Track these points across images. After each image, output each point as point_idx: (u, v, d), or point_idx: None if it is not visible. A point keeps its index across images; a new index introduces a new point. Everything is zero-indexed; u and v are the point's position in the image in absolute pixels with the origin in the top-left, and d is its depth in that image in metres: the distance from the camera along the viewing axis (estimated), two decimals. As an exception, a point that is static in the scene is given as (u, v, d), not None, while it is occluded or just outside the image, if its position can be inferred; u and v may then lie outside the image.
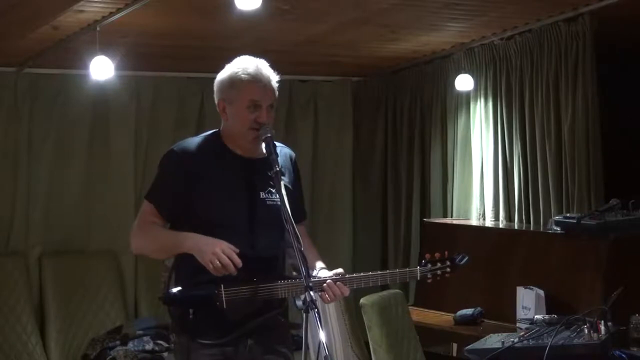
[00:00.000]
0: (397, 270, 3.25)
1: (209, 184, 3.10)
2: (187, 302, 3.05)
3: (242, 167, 3.14)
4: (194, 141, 3.19)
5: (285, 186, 3.06)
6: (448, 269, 3.18)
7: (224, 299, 2.99)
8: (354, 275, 3.11)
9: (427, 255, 3.19)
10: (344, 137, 7.20)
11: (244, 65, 3.13)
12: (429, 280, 3.18)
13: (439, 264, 3.17)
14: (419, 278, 3.18)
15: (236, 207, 3.10)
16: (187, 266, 3.06)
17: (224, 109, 3.15)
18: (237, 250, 2.97)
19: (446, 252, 3.20)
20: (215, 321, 3.03)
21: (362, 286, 3.15)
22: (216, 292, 2.98)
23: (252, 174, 3.12)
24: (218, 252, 2.95)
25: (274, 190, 3.05)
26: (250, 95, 3.08)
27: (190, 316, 3.04)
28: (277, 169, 3.00)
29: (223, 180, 3.11)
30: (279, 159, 3.10)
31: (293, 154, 3.28)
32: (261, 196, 3.11)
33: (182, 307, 3.06)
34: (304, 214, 3.33)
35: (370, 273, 3.13)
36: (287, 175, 3.19)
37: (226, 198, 3.10)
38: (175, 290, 3.06)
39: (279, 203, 2.98)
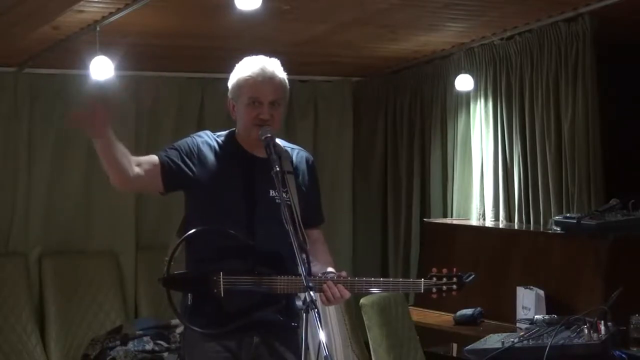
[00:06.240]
0: (401, 279, 3.23)
1: (214, 175, 3.13)
2: (185, 286, 3.08)
3: (251, 164, 3.17)
4: (214, 135, 3.24)
5: (298, 187, 3.10)
6: (454, 286, 3.08)
7: (221, 286, 3.01)
8: (356, 278, 3.08)
9: (434, 270, 3.10)
10: (344, 137, 7.19)
11: (247, 64, 3.18)
12: (434, 296, 3.08)
13: (444, 280, 3.08)
14: (422, 291, 3.10)
15: (237, 203, 3.12)
16: (190, 253, 3.10)
17: (233, 108, 3.21)
18: None
19: (454, 269, 3.11)
20: (213, 309, 3.04)
21: (363, 291, 3.15)
22: (215, 278, 3.00)
23: (261, 173, 3.12)
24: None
25: (285, 189, 3.05)
26: (250, 92, 3.13)
27: (189, 302, 3.07)
28: (277, 169, 3.00)
29: (229, 174, 3.14)
30: (294, 160, 3.18)
31: (310, 158, 3.31)
32: (271, 194, 3.12)
33: (180, 290, 3.09)
34: (320, 218, 3.32)
35: (373, 279, 3.10)
36: (301, 177, 3.22)
37: (229, 195, 3.12)
38: (174, 272, 3.08)
39: (289, 202, 2.99)
